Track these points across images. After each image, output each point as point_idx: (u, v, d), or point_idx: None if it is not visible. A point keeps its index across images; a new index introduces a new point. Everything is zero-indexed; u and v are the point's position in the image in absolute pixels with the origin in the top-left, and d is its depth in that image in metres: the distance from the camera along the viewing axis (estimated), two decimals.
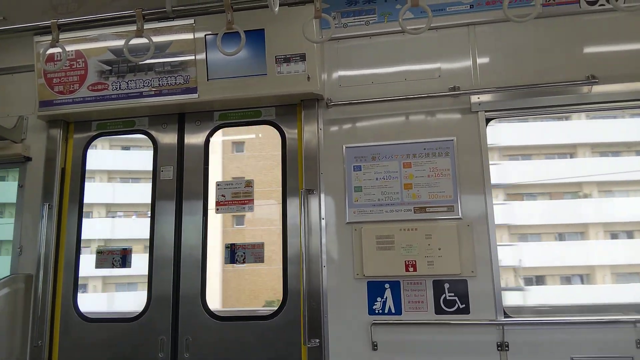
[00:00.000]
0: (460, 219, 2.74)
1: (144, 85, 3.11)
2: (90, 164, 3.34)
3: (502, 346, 2.58)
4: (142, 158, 3.55)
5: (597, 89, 2.75)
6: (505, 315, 2.62)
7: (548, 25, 2.89)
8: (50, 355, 3.02)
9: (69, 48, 3.11)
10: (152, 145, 3.24)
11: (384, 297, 2.73)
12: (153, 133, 3.25)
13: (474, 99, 2.86)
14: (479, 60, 2.93)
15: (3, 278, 3.04)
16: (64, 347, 3.03)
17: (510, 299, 2.79)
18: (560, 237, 3.47)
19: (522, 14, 2.29)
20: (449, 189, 2.78)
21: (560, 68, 2.83)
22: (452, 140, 2.84)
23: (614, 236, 3.53)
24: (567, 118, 3.21)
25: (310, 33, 2.77)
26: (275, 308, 2.89)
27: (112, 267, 3.10)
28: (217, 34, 2.58)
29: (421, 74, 2.98)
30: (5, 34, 2.96)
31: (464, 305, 2.65)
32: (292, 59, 2.95)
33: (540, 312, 2.70)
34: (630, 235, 3.34)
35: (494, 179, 2.77)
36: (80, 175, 3.26)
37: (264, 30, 2.96)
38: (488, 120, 2.86)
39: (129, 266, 3.11)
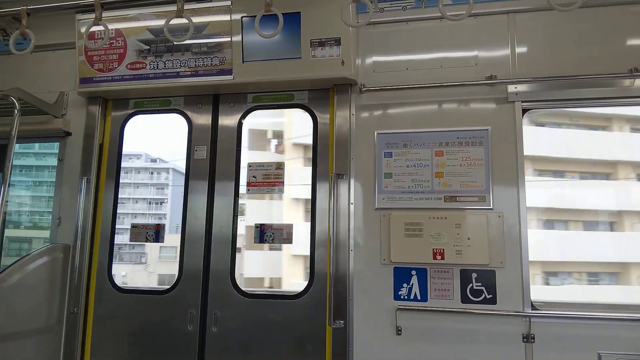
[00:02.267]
0: (491, 209, 2.72)
1: (180, 66, 3.16)
2: None
3: (528, 338, 2.58)
4: None
5: None
6: (533, 307, 2.61)
7: (591, 15, 2.80)
8: (85, 322, 3.16)
9: (109, 27, 3.17)
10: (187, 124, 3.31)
11: (410, 284, 2.75)
12: (188, 113, 3.31)
13: (511, 88, 2.81)
14: (518, 50, 2.87)
15: (42, 247, 3.18)
16: (98, 315, 3.17)
17: None
18: None
19: (567, 3, 2.22)
20: (481, 179, 2.76)
21: (602, 60, 2.75)
22: (487, 130, 2.81)
23: None
24: None
25: (347, 17, 2.76)
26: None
27: (146, 242, 3.21)
28: (253, 16, 2.59)
29: (458, 61, 2.94)
30: (48, 12, 3.03)
31: (490, 296, 2.65)
32: (327, 43, 2.94)
33: (568, 306, 2.67)
34: None
35: None
36: (117, 151, 3.36)
37: (300, 13, 2.95)
38: (524, 111, 2.81)
39: (162, 241, 3.21)
